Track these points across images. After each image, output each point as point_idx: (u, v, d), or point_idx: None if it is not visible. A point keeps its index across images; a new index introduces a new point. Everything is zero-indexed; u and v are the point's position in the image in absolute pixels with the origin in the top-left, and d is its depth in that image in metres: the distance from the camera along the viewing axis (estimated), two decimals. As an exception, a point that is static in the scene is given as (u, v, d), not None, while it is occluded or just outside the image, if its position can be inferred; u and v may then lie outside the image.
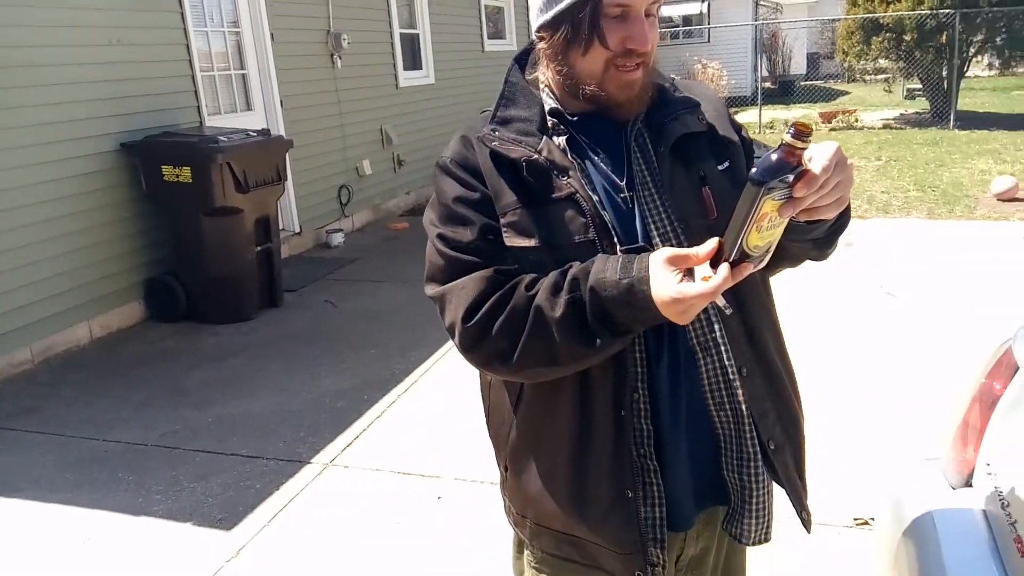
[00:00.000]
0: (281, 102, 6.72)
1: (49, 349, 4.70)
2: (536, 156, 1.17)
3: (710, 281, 1.00)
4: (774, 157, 0.97)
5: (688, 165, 1.23)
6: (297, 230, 6.96)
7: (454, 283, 1.16)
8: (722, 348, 1.20)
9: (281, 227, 6.79)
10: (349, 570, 2.65)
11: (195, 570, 2.69)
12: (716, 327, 1.20)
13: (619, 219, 1.18)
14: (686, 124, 1.23)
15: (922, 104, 14.99)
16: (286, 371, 4.31)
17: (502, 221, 1.17)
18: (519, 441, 1.27)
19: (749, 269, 1.02)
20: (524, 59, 1.29)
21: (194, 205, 4.99)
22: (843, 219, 1.19)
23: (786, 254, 1.24)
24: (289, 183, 6.69)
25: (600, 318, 1.07)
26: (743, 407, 1.21)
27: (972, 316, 4.57)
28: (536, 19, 1.21)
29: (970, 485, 1.59)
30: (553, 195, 1.16)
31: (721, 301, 1.12)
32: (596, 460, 1.19)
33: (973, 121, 13.25)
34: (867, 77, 18.66)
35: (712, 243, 1.02)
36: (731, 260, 1.01)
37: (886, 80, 15.93)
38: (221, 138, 5.01)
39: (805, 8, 25.25)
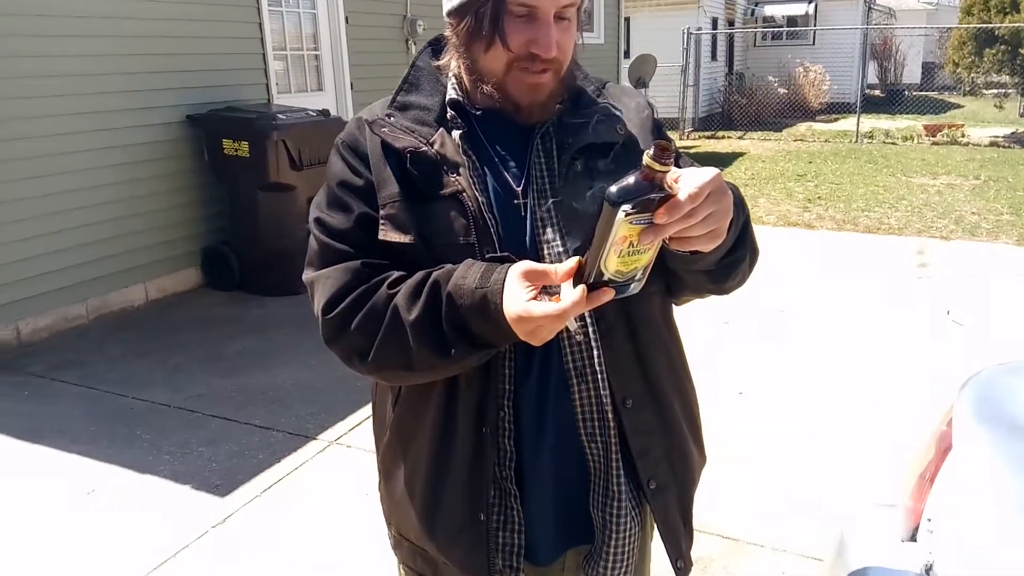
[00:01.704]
0: (352, 84, 6.83)
1: (104, 307, 4.94)
2: (425, 148, 1.10)
3: (560, 302, 0.93)
4: (632, 178, 0.88)
5: (593, 177, 1.14)
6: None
7: (323, 271, 1.12)
8: (599, 376, 1.12)
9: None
10: (326, 547, 2.67)
11: (183, 531, 2.78)
12: (596, 353, 1.12)
13: (507, 225, 1.11)
14: (598, 133, 1.14)
15: (1038, 122, 14.01)
16: (318, 348, 4.35)
17: (381, 213, 1.10)
18: (390, 445, 1.23)
19: (609, 295, 0.93)
20: (439, 43, 1.22)
21: (250, 179, 5.14)
22: (738, 252, 1.09)
23: (682, 283, 1.16)
24: (354, 164, 6.81)
25: (455, 327, 1.02)
26: (613, 440, 1.13)
27: (1037, 353, 4.24)
28: (445, 3, 1.14)
29: (915, 540, 1.46)
30: (439, 192, 1.10)
31: (573, 326, 1.04)
32: (453, 475, 1.14)
33: (1093, 143, 12.30)
34: (983, 91, 17.59)
35: (571, 262, 0.95)
36: (590, 283, 0.94)
37: (1001, 95, 14.94)
38: (280, 116, 5.14)
39: (923, 15, 23.96)
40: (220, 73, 5.54)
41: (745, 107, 16.13)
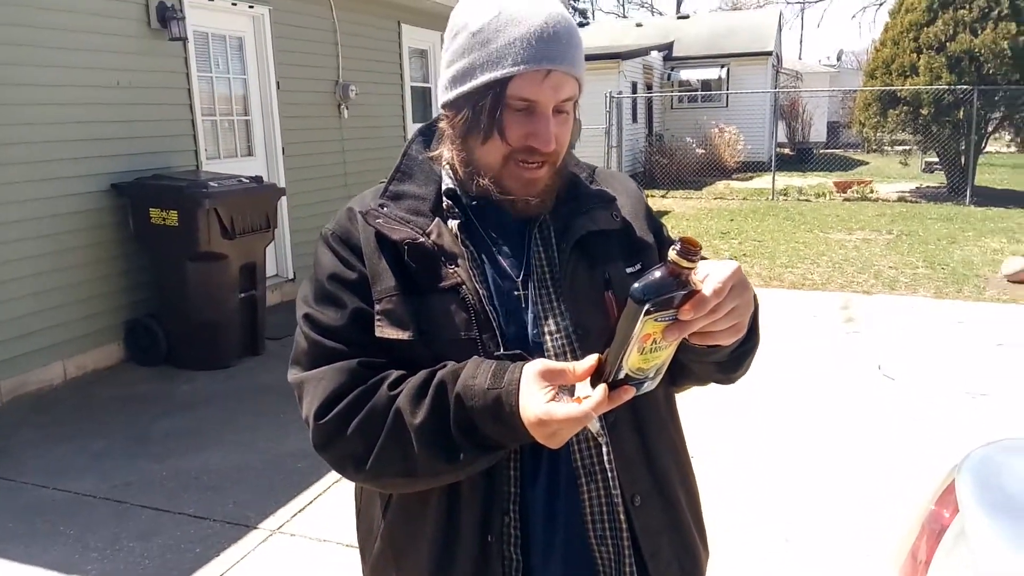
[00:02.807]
0: (283, 149, 6.73)
1: (20, 387, 4.62)
2: (422, 239, 1.06)
3: (582, 404, 0.88)
4: (657, 274, 0.86)
5: (593, 265, 1.12)
6: (291, 276, 6.90)
7: (314, 371, 1.05)
8: (609, 474, 1.07)
9: (275, 273, 6.76)
10: (275, 652, 2.49)
11: (115, 641, 2.55)
12: (604, 450, 1.07)
13: (508, 318, 1.07)
14: (595, 220, 1.13)
15: (939, 178, 14.89)
16: (254, 425, 4.18)
17: (376, 308, 1.05)
18: (382, 555, 1.14)
19: (631, 393, 0.90)
20: (429, 131, 1.18)
21: (179, 249, 4.94)
22: (750, 342, 1.07)
23: (688, 373, 1.13)
24: (286, 229, 6.67)
25: (464, 430, 0.96)
26: (625, 542, 1.07)
27: (970, 403, 4.39)
28: (441, 95, 1.11)
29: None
30: (438, 284, 1.05)
31: (595, 427, 0.99)
32: None
33: (990, 198, 13.13)
34: (887, 148, 18.65)
35: (591, 360, 0.91)
36: (610, 381, 0.90)
37: (904, 152, 15.87)
38: (211, 183, 4.99)
39: (827, 77, 25.44)
40: (147, 140, 5.36)
41: (666, 167, 16.66)
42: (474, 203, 1.11)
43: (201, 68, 5.93)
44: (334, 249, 1.10)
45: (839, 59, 36.01)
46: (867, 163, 20.19)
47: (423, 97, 9.15)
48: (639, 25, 23.38)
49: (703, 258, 0.91)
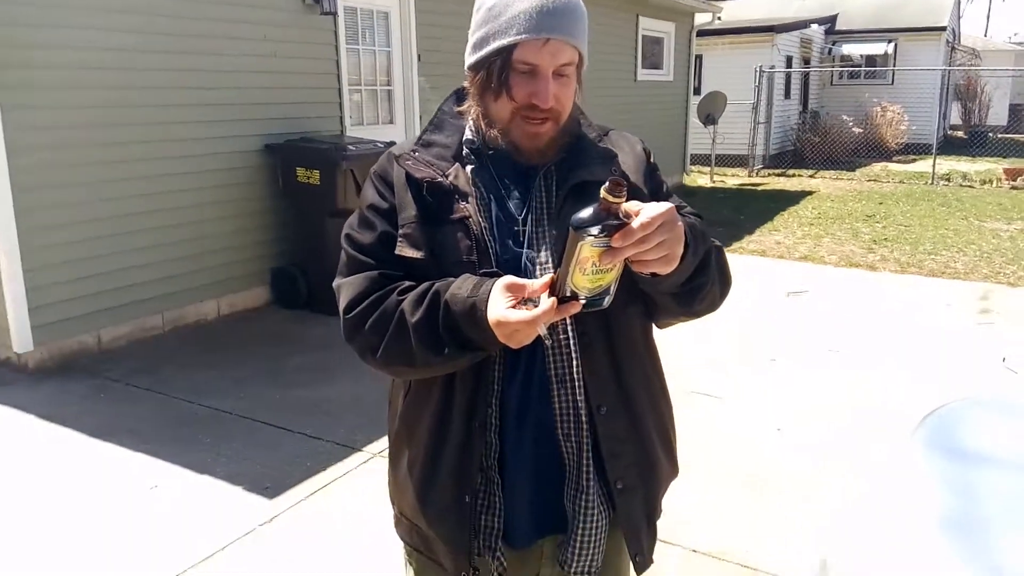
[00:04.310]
0: (420, 118, 7.15)
1: (179, 319, 5.30)
2: (441, 179, 1.29)
3: (533, 311, 1.10)
4: (591, 208, 1.05)
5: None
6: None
7: (348, 278, 1.31)
8: (577, 383, 1.28)
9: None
10: (361, 548, 2.85)
11: (233, 527, 3.00)
12: (575, 362, 1.28)
13: (506, 248, 1.29)
14: (593, 173, 1.30)
15: None
16: (372, 366, 4.61)
17: (399, 232, 1.29)
18: (397, 433, 1.40)
19: (577, 307, 1.10)
20: (462, 92, 1.40)
21: (320, 205, 5.46)
22: (700, 279, 1.24)
23: (657, 306, 1.31)
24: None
25: (449, 329, 1.19)
26: (585, 441, 1.28)
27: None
28: (466, 59, 1.34)
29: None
30: (450, 216, 1.28)
31: (543, 331, 1.20)
32: (446, 461, 1.30)
33: None
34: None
35: (546, 278, 1.12)
36: (559, 296, 1.10)
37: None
38: (350, 147, 5.46)
39: (1011, 56, 23.25)
40: (298, 106, 5.91)
41: (818, 145, 15.95)
42: (491, 152, 1.33)
43: (349, 40, 6.42)
44: (375, 184, 1.36)
45: (1031, 35, 32.70)
46: (1051, 149, 18.41)
47: (561, 70, 9.33)
48: (802, -4, 22.27)
49: (634, 197, 1.10)
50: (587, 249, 1.05)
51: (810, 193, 12.38)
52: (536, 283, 1.12)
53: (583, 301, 1.10)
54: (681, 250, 1.11)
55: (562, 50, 1.25)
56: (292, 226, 5.84)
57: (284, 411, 4.05)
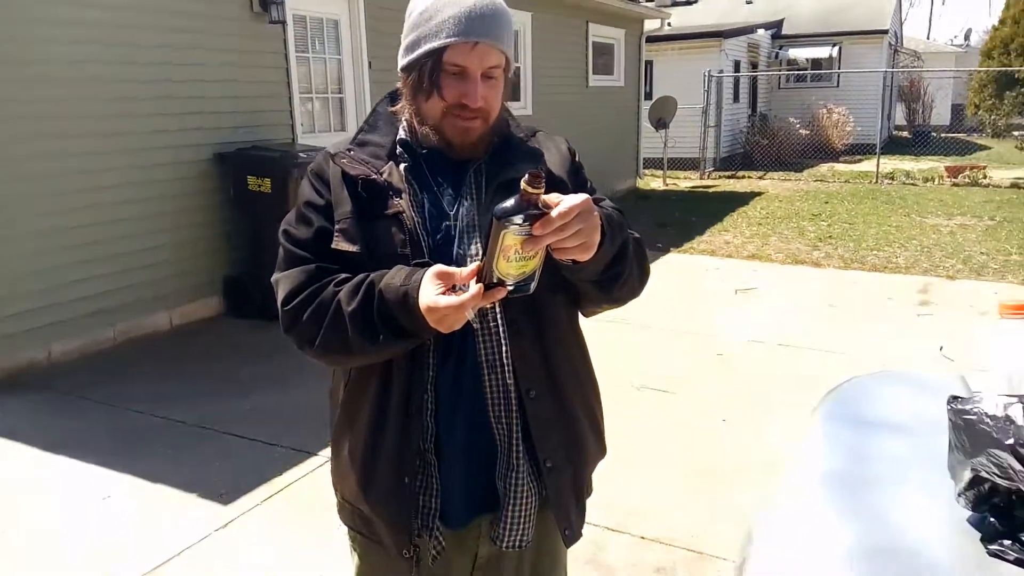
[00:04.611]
0: (373, 124, 7.18)
1: (131, 331, 5.26)
2: (375, 176, 1.35)
3: (461, 296, 1.16)
4: (513, 199, 1.13)
5: None
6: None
7: (286, 272, 1.36)
8: (507, 368, 1.35)
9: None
10: (316, 548, 2.89)
11: (188, 533, 3.01)
12: (504, 348, 1.35)
13: (438, 242, 1.35)
14: (519, 171, 1.33)
15: (1064, 164, 13.99)
16: (327, 373, 4.62)
17: (335, 227, 1.35)
18: (338, 422, 1.46)
19: (502, 293, 1.16)
20: (395, 93, 1.46)
21: (271, 214, 5.43)
22: (618, 267, 1.32)
23: (580, 294, 1.39)
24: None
25: (383, 317, 1.25)
26: (515, 423, 1.35)
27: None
28: (399, 61, 1.40)
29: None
30: (384, 211, 1.34)
31: (470, 315, 1.27)
32: (385, 446, 1.36)
33: (1117, 186, 12.27)
34: (1014, 134, 17.57)
35: (473, 266, 1.19)
36: (485, 283, 1.17)
37: (1022, 137, 14.97)
38: (301, 154, 5.48)
39: (951, 58, 24.05)
40: (249, 115, 5.91)
41: (767, 148, 16.32)
42: (424, 151, 1.40)
43: (299, 48, 6.43)
44: (311, 182, 1.42)
45: (967, 39, 33.89)
46: (989, 148, 19.03)
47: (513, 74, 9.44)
48: (749, 2, 22.77)
49: (557, 190, 1.18)
50: (510, 237, 1.12)
51: (759, 194, 12.66)
52: (464, 271, 1.19)
53: (510, 287, 1.17)
54: (598, 238, 1.19)
55: (490, 53, 1.32)
56: (244, 235, 5.83)
57: (238, 420, 4.05)
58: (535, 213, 1.12)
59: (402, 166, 1.38)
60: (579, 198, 1.14)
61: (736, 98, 17.38)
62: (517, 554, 1.45)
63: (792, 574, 1.03)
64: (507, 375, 1.35)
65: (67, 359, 4.87)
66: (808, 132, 17.20)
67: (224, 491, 3.32)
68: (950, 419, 1.04)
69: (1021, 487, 0.95)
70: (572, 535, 1.44)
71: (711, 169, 15.37)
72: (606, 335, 5.39)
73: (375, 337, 1.26)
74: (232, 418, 4.06)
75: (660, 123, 13.88)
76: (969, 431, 1.00)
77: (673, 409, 4.17)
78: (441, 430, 1.36)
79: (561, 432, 1.40)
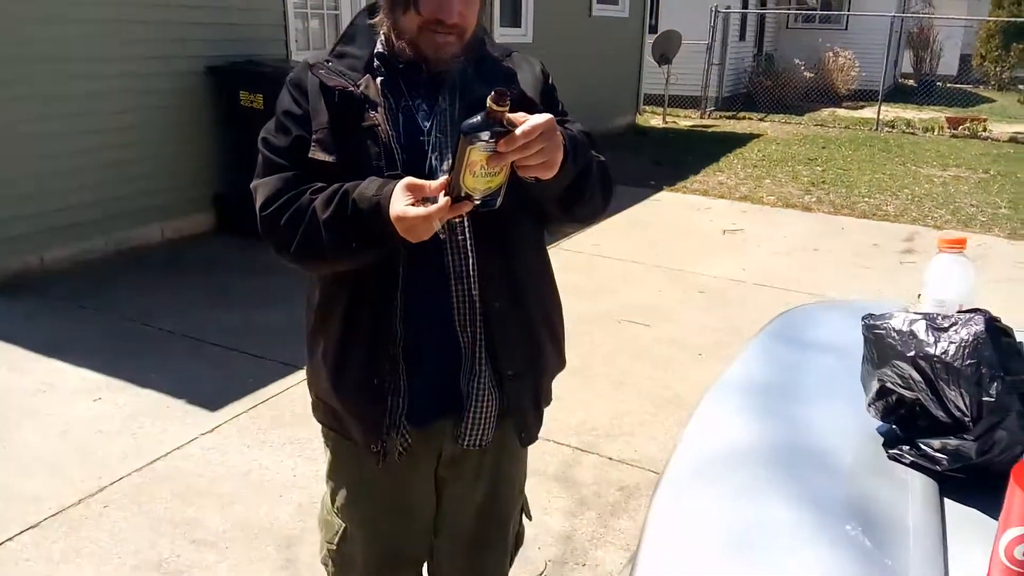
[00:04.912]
0: (370, 45, 7.10)
1: (124, 241, 5.31)
2: (352, 88, 1.39)
3: (429, 208, 1.23)
4: (479, 116, 1.18)
5: None
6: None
7: (265, 179, 1.41)
8: (472, 280, 1.42)
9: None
10: (301, 457, 3.02)
11: (176, 436, 3.14)
12: (471, 260, 1.42)
13: (412, 155, 1.40)
14: (490, 89, 1.43)
15: (1065, 120, 13.93)
16: (316, 291, 4.73)
17: (313, 137, 1.39)
18: (313, 325, 1.53)
19: (469, 206, 1.22)
20: (375, 6, 1.47)
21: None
22: (582, 185, 1.38)
23: (545, 212, 1.46)
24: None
25: (355, 226, 1.31)
26: (480, 332, 1.44)
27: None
28: None
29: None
30: (360, 124, 1.38)
31: (437, 226, 1.32)
32: (357, 348, 1.44)
33: (1115, 144, 12.25)
34: (1021, 86, 17.39)
35: (442, 179, 1.25)
36: (452, 196, 1.23)
37: (1026, 90, 14.84)
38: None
39: (964, 5, 23.54)
40: (243, 28, 5.84)
41: (770, 89, 16.14)
42: (400, 66, 1.43)
43: (296, -38, 6.31)
44: (290, 91, 1.45)
45: (986, -16, 33.04)
46: (993, 101, 18.87)
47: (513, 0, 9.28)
48: (763, -63, 22.16)
49: (527, 110, 1.23)
50: (475, 153, 1.17)
51: (758, 136, 12.60)
52: (434, 184, 1.25)
53: (476, 201, 1.23)
54: (560, 157, 1.25)
55: None
56: (235, 152, 5.80)
57: (229, 332, 4.15)
58: (500, 130, 1.17)
59: (378, 79, 1.41)
60: (543, 117, 1.19)
61: (743, 36, 17.08)
62: (478, 452, 1.56)
63: (705, 472, 1.13)
64: (472, 286, 1.42)
65: (59, 267, 4.94)
66: (812, 75, 16.99)
67: (212, 398, 3.44)
68: (864, 335, 1.13)
69: (920, 396, 1.05)
70: (527, 437, 1.55)
71: (712, 109, 15.22)
72: (592, 269, 5.49)
73: (347, 244, 1.32)
74: (222, 331, 4.16)
75: (663, 58, 13.69)
76: (878, 345, 1.09)
77: (651, 341, 4.29)
78: (409, 334, 1.44)
79: (522, 343, 1.49)
